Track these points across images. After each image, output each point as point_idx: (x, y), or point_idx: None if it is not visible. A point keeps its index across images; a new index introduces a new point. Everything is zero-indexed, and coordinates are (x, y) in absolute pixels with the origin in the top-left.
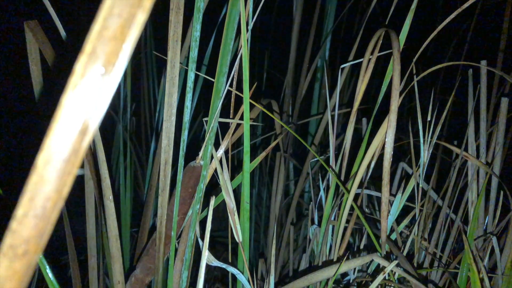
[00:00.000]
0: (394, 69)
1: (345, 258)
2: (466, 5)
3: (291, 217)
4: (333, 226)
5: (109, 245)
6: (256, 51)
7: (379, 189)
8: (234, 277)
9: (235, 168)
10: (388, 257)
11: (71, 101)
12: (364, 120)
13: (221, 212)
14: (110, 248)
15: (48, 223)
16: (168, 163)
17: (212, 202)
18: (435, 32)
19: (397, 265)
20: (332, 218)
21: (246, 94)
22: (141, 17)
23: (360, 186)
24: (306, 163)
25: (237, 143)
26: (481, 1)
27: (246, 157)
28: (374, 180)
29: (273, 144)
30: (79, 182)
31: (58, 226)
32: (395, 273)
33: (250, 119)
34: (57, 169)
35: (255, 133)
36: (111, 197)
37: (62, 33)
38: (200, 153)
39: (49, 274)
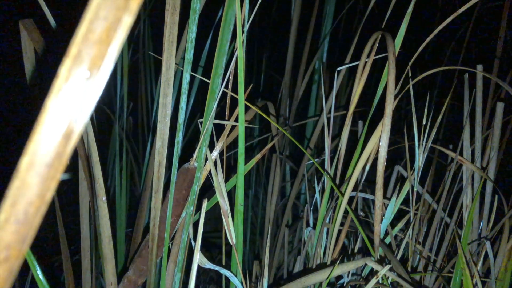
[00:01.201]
0: (389, 73)
1: (338, 262)
2: (462, 9)
3: (286, 219)
4: (328, 229)
5: (102, 246)
6: (254, 51)
7: (373, 192)
8: (228, 279)
9: (232, 168)
10: (382, 260)
11: (55, 104)
12: (360, 122)
13: (217, 213)
14: (103, 249)
15: (31, 229)
16: (162, 165)
17: (205, 205)
18: (431, 36)
19: (390, 269)
20: (327, 221)
21: (241, 96)
22: (127, 20)
23: (355, 189)
24: (302, 165)
25: (235, 144)
26: (478, 6)
27: (241, 159)
28: (370, 183)
29: (268, 146)
30: (73, 182)
31: (51, 226)
32: (388, 277)
33: (246, 121)
34: (40, 174)
35: (252, 134)
36: (104, 198)
37: (52, 22)
38: (195, 155)
39: (39, 275)
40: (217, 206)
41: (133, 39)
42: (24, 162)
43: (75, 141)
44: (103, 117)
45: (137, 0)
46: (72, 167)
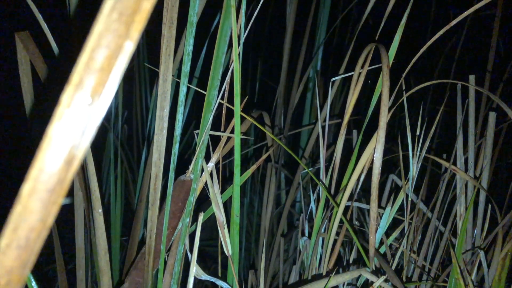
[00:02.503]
0: (383, 85)
1: (334, 273)
2: (455, 21)
3: (281, 228)
4: (323, 238)
5: (97, 258)
6: (248, 60)
7: (368, 201)
8: None
9: (226, 179)
10: (377, 271)
11: (57, 131)
12: (354, 132)
13: (211, 222)
14: (99, 261)
15: (32, 254)
16: (158, 177)
17: (201, 218)
18: (424, 48)
19: (386, 280)
20: (322, 230)
21: (237, 108)
22: (129, 47)
23: (350, 198)
24: (297, 173)
25: (229, 153)
26: (471, 15)
27: (237, 170)
28: (364, 192)
29: (263, 156)
30: (69, 193)
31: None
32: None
33: (241, 132)
34: (42, 200)
35: (247, 143)
36: (100, 210)
37: (53, 45)
38: (191, 167)
39: (33, 284)
40: (211, 215)
41: None
42: (26, 187)
43: (76, 167)
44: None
45: (138, 27)
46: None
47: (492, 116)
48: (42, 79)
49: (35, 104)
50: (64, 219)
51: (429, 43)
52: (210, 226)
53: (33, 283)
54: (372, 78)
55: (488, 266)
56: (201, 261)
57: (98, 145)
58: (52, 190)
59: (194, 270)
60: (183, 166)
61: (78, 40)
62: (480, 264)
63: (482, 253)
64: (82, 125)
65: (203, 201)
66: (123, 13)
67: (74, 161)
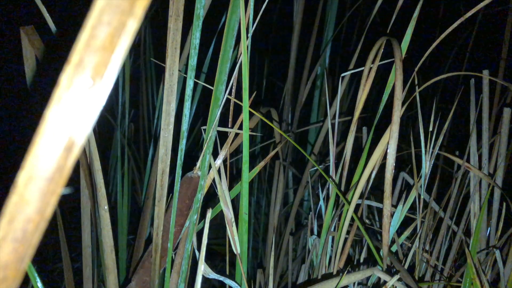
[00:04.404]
0: (396, 79)
1: (346, 272)
2: (468, 14)
3: (290, 227)
4: (333, 237)
5: (104, 257)
6: (255, 57)
7: (378, 199)
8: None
9: (234, 176)
10: (389, 270)
11: (55, 115)
12: (364, 129)
13: (217, 219)
14: (106, 259)
15: (29, 247)
16: (165, 173)
17: (209, 215)
18: (436, 43)
19: (398, 279)
20: (332, 229)
21: (246, 103)
22: (132, 25)
23: (361, 197)
24: (305, 171)
25: (236, 151)
26: (482, 10)
27: (245, 167)
28: (373, 189)
29: (272, 153)
30: (74, 187)
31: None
32: (396, 287)
33: (249, 128)
34: (39, 189)
35: (254, 141)
36: (106, 207)
37: (52, 27)
38: (198, 163)
39: (38, 284)
40: (218, 213)
41: (134, 45)
42: (23, 176)
43: (76, 154)
44: (104, 123)
45: (142, 3)
46: (73, 175)
47: (507, 111)
48: (41, 62)
49: (40, 99)
50: (71, 218)
51: (442, 36)
52: (216, 224)
53: (39, 282)
54: (379, 76)
55: (503, 265)
56: (208, 259)
57: (105, 143)
58: (50, 178)
59: (202, 268)
60: (190, 162)
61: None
62: (494, 262)
63: (497, 252)
64: (82, 109)
65: (210, 198)
66: None
67: (74, 147)
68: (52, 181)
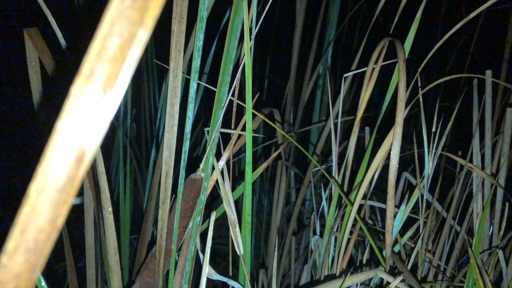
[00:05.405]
0: (399, 80)
1: (349, 273)
2: (472, 15)
3: (292, 227)
4: (336, 237)
5: (107, 258)
6: (257, 57)
7: (379, 198)
8: None
9: (236, 177)
10: (392, 270)
11: (66, 126)
12: (366, 129)
13: (220, 220)
14: (109, 260)
15: (41, 257)
16: (169, 175)
17: (213, 217)
18: (438, 44)
19: (402, 280)
20: (335, 229)
21: (249, 105)
22: (143, 36)
23: (363, 197)
24: (308, 171)
25: (238, 151)
26: (485, 10)
27: (248, 168)
28: (375, 188)
29: (274, 154)
30: (78, 192)
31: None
32: None
33: (252, 130)
34: (51, 199)
35: (256, 141)
36: (110, 209)
37: (62, 41)
38: (201, 165)
39: (42, 284)
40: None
41: None
42: (35, 187)
43: (87, 165)
44: None
45: (153, 15)
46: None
47: (510, 112)
48: (51, 74)
49: (44, 102)
50: (74, 218)
51: (445, 37)
52: (219, 224)
53: (43, 282)
54: (381, 76)
55: (506, 265)
56: (210, 259)
57: (107, 144)
58: (61, 189)
59: (207, 270)
60: (193, 164)
61: (87, 37)
62: (496, 262)
63: (501, 253)
64: (93, 120)
65: (213, 199)
66: None
67: (85, 158)
68: (63, 191)
